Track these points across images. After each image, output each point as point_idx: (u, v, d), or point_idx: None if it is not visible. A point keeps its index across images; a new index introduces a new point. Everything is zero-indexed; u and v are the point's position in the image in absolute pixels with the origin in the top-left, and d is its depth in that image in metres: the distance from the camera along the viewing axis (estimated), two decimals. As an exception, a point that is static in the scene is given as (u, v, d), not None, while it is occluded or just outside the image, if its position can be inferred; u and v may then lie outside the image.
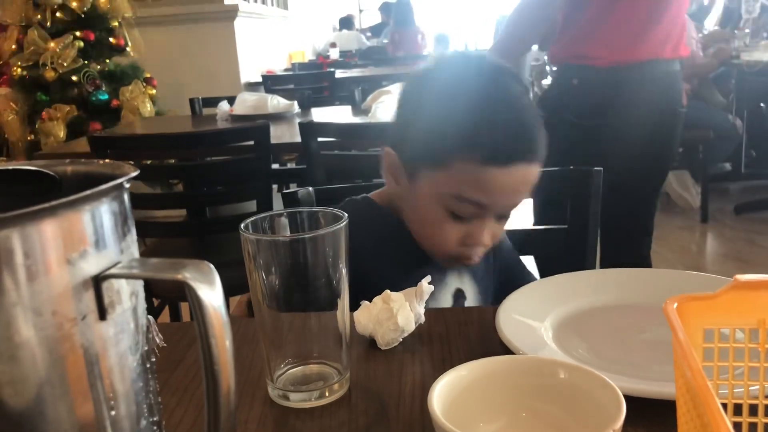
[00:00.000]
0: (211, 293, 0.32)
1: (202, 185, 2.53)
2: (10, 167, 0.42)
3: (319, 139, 2.06)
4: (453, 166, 0.86)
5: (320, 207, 0.66)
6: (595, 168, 1.20)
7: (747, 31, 4.42)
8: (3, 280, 0.30)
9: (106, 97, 3.90)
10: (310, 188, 1.19)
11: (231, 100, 2.89)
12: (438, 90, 0.91)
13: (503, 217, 0.91)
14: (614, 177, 1.48)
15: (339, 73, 4.77)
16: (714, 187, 4.13)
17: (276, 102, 2.85)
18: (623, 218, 1.97)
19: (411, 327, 0.71)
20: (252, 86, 4.68)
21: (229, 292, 1.72)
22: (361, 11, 10.19)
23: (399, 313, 0.70)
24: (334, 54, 6.63)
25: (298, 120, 2.74)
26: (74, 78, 3.88)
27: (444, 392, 0.50)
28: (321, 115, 2.98)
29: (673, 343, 0.42)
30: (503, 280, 1.03)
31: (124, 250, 0.34)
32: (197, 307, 0.32)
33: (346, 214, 0.62)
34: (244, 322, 0.78)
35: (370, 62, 6.21)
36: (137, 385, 0.35)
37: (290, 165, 3.65)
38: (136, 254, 0.36)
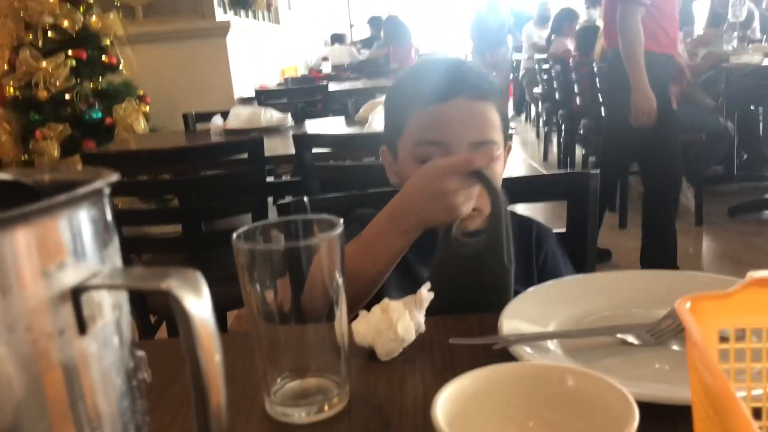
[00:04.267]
0: (197, 303, 0.30)
1: (196, 200, 2.51)
2: (-15, 177, 0.40)
3: (314, 151, 2.04)
4: (408, 120, 0.98)
5: (315, 215, 0.64)
6: (592, 171, 1.18)
7: (735, 34, 4.43)
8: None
9: (99, 115, 3.88)
10: (305, 198, 1.17)
11: (224, 115, 2.88)
12: (401, 77, 1.10)
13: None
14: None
15: (332, 86, 4.76)
16: (707, 189, 4.12)
17: (269, 115, 2.83)
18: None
19: (411, 336, 0.69)
20: (245, 101, 4.65)
21: (228, 306, 1.69)
22: (351, 26, 10.21)
23: (398, 322, 0.68)
24: (326, 68, 6.63)
25: (291, 132, 2.73)
26: (67, 97, 3.85)
27: (448, 403, 0.48)
28: (314, 127, 2.96)
29: (688, 344, 0.40)
30: None
31: (105, 260, 0.32)
32: (182, 318, 0.30)
33: (341, 220, 0.60)
34: (238, 335, 0.76)
35: (363, 75, 6.21)
36: (123, 405, 0.33)
37: (285, 178, 3.63)
38: (119, 264, 0.34)
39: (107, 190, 0.33)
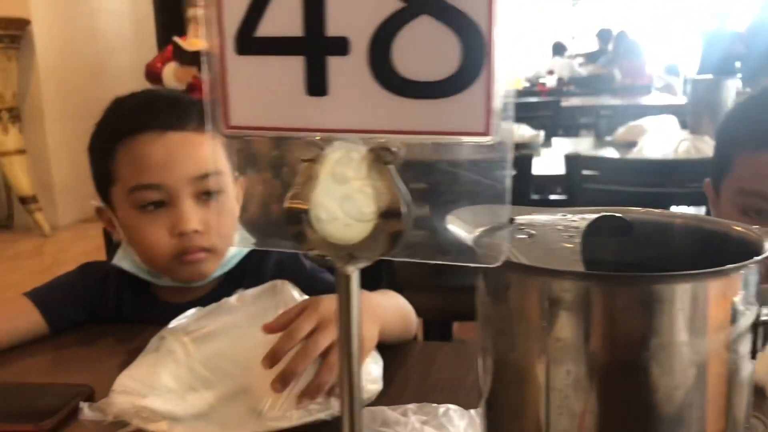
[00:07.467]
0: None
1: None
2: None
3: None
4: (736, 162, 0.95)
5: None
6: None
7: None
8: (685, 322, 0.39)
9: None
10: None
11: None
12: (736, 108, 1.11)
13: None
14: None
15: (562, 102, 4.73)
16: None
17: (522, 131, 2.92)
18: None
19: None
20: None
21: (455, 316, 1.76)
22: (573, 38, 10.04)
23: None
24: (550, 81, 6.60)
25: (542, 150, 2.80)
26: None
27: None
28: (563, 145, 3.01)
29: None
30: None
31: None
32: None
33: None
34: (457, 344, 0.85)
35: (587, 90, 6.08)
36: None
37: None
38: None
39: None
